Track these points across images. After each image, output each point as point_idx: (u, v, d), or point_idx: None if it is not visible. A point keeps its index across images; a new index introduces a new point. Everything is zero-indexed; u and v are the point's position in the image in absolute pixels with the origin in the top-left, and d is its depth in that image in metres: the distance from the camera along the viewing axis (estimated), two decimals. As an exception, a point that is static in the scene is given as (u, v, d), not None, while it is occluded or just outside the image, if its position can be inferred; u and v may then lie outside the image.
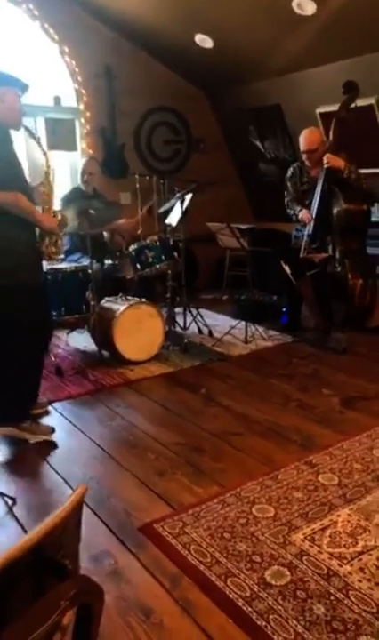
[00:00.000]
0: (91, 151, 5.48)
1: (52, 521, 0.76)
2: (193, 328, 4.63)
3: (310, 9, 3.96)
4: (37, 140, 2.87)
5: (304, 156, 4.15)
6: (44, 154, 2.90)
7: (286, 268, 4.25)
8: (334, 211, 4.00)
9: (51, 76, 5.24)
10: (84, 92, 5.40)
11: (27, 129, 2.80)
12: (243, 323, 4.46)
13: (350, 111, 3.92)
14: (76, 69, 5.30)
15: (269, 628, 1.59)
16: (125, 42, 5.53)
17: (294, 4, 3.95)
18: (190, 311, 4.67)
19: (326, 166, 3.89)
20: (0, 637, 0.66)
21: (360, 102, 4.05)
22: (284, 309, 4.71)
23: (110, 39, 5.45)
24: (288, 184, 4.38)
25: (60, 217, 2.99)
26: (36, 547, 0.72)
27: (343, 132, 3.93)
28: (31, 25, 4.97)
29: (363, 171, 4.04)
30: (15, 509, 2.24)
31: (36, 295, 2.68)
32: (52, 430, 2.86)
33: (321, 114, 4.83)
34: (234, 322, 4.65)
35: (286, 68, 4.88)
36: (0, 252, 2.55)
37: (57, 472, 2.53)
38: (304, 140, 4.11)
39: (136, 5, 4.77)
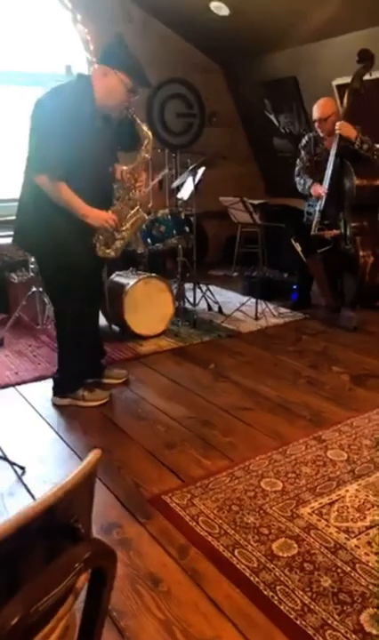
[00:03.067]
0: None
1: (64, 484, 0.76)
2: (203, 304, 4.61)
3: (330, -25, 3.83)
4: (145, 134, 2.70)
5: (316, 124, 4.06)
6: (147, 143, 2.71)
7: (297, 246, 4.20)
8: (346, 186, 3.92)
9: (63, 45, 5.14)
10: (95, 60, 5.29)
11: (132, 117, 2.67)
12: (253, 300, 4.43)
13: (365, 82, 3.80)
14: (88, 37, 5.19)
15: (275, 598, 1.60)
16: (138, 9, 5.40)
17: (313, -30, 3.83)
18: (200, 287, 4.64)
19: (337, 132, 3.80)
20: (14, 599, 0.66)
21: (378, 74, 3.94)
22: (294, 287, 4.68)
23: (123, 7, 5.31)
24: (302, 152, 4.28)
25: (127, 216, 2.74)
26: (49, 509, 0.72)
27: (357, 104, 3.82)
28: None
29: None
30: (24, 478, 2.26)
31: (76, 271, 2.66)
32: (108, 394, 2.98)
33: (338, 86, 4.72)
34: (244, 299, 4.62)
35: (305, 37, 4.74)
36: (44, 230, 2.60)
37: (66, 443, 2.55)
38: (318, 107, 4.00)
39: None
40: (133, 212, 2.76)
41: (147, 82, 2.64)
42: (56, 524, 0.76)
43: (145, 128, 2.71)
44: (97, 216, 2.60)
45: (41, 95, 2.52)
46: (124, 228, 2.73)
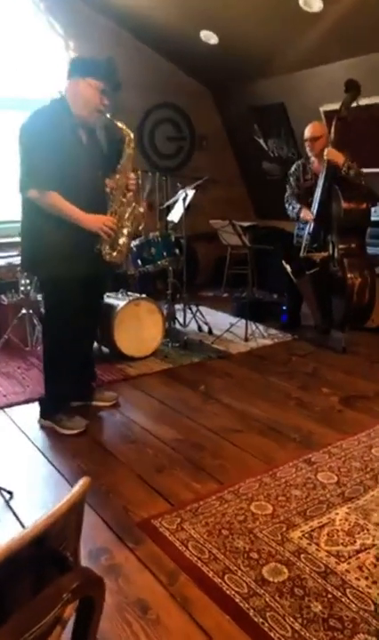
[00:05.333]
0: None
1: (54, 513, 0.75)
2: (193, 325, 4.62)
3: (316, 6, 3.94)
4: (123, 138, 2.77)
5: (307, 144, 4.18)
6: (128, 140, 2.76)
7: (287, 267, 4.25)
8: (334, 209, 3.99)
9: (55, 71, 5.22)
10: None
11: (108, 118, 2.73)
12: (243, 321, 4.45)
13: (352, 110, 3.90)
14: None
15: (266, 625, 1.58)
16: (129, 37, 5.51)
17: (300, 1, 3.94)
18: (190, 308, 4.66)
19: (325, 158, 3.89)
20: (3, 629, 0.65)
21: (365, 101, 4.03)
22: (284, 308, 4.71)
23: (114, 34, 5.42)
24: (291, 179, 4.40)
25: (124, 215, 2.79)
26: (39, 538, 0.71)
27: (345, 131, 3.92)
28: (36, 19, 4.95)
29: (366, 170, 4.03)
30: (12, 503, 2.23)
31: (64, 288, 2.69)
32: (85, 423, 2.88)
33: (326, 112, 4.82)
34: (234, 320, 4.64)
35: (292, 65, 4.86)
36: (35, 246, 2.68)
37: (55, 467, 2.52)
38: (309, 128, 4.15)
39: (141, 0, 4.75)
40: (129, 209, 2.82)
41: (115, 80, 2.71)
42: (44, 552, 0.76)
43: (123, 126, 2.76)
44: (94, 220, 2.65)
45: (24, 120, 2.60)
46: (124, 227, 2.79)
